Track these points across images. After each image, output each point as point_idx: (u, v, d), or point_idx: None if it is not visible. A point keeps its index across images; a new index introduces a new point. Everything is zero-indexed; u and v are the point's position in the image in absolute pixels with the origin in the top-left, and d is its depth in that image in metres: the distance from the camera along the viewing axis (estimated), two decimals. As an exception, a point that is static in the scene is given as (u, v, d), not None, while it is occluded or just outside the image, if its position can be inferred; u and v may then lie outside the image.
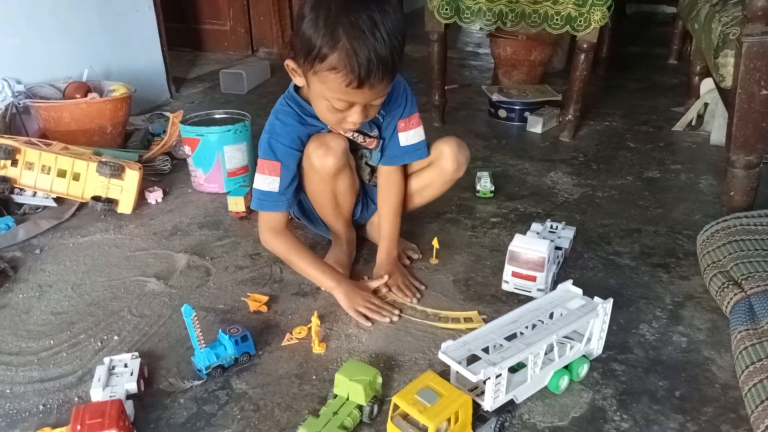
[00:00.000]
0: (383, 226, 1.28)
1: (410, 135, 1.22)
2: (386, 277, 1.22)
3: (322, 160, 1.14)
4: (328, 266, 1.21)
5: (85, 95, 1.92)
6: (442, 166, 1.25)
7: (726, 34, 1.40)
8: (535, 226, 1.37)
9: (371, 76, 0.98)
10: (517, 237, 1.19)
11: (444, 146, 1.24)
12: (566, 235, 1.35)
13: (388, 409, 0.85)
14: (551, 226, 1.37)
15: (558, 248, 1.28)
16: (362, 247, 1.38)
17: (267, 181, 1.15)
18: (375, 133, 1.22)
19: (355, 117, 1.06)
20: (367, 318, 1.12)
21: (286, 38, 3.36)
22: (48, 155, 1.56)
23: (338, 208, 1.25)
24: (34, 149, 1.56)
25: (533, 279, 1.16)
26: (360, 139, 1.21)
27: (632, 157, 1.97)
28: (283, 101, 1.17)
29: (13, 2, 1.92)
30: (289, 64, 1.08)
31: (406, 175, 1.28)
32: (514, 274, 1.18)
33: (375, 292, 1.20)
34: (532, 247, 1.16)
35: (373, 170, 1.30)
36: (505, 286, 1.21)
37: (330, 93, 1.02)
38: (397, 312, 1.14)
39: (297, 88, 1.17)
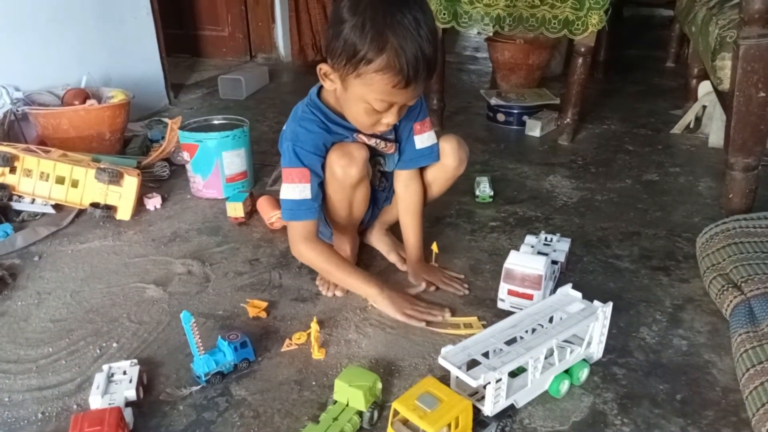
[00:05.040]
0: (410, 235, 1.30)
1: (425, 138, 1.24)
2: (423, 285, 1.23)
3: (345, 170, 1.14)
4: (367, 274, 1.21)
5: (84, 102, 1.92)
6: (444, 162, 1.26)
7: (723, 37, 1.40)
8: (529, 239, 1.33)
9: (418, 75, 1.00)
10: (512, 254, 1.15)
11: (444, 144, 1.25)
12: (561, 247, 1.31)
13: (388, 414, 0.85)
14: (545, 239, 1.33)
15: (554, 262, 1.24)
16: (361, 252, 1.38)
17: (298, 189, 1.14)
18: (392, 137, 1.23)
19: (390, 118, 1.08)
20: (417, 319, 1.12)
21: (304, 41, 3.36)
22: (46, 162, 1.56)
23: (351, 216, 1.25)
24: (32, 156, 1.56)
25: (530, 297, 1.13)
26: (381, 145, 1.21)
27: (631, 160, 1.97)
28: (305, 108, 1.16)
29: (12, 9, 1.92)
30: (323, 67, 1.07)
31: (422, 180, 1.29)
32: (510, 293, 1.15)
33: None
34: (528, 264, 1.12)
35: (384, 175, 1.31)
36: (501, 305, 1.17)
37: (373, 95, 1.03)
38: (447, 310, 1.15)
39: (318, 95, 1.17)
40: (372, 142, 1.20)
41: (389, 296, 1.15)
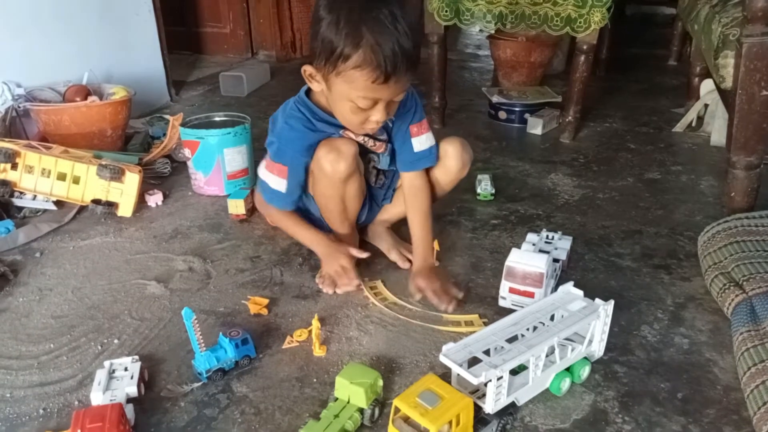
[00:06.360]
0: (416, 233, 1.27)
1: (422, 140, 1.23)
2: (418, 296, 1.19)
3: (334, 166, 1.13)
4: (315, 229, 1.27)
5: (85, 98, 1.92)
6: (447, 165, 1.26)
7: (726, 35, 1.40)
8: (531, 237, 1.32)
9: (396, 69, 0.99)
10: (514, 252, 1.15)
11: (448, 146, 1.25)
12: (563, 246, 1.30)
13: (389, 412, 0.85)
14: (547, 237, 1.32)
15: (555, 260, 1.23)
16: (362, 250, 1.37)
17: (275, 181, 1.20)
18: (384, 137, 1.23)
19: (378, 115, 1.07)
20: (325, 286, 1.20)
21: (285, 40, 3.37)
22: (48, 158, 1.56)
23: (345, 213, 1.25)
24: (34, 152, 1.56)
25: (531, 295, 1.12)
26: (370, 143, 1.21)
27: (633, 159, 1.97)
28: (294, 106, 1.17)
29: (15, 6, 1.92)
30: (307, 69, 1.08)
31: (428, 179, 1.28)
32: (512, 290, 1.14)
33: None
34: (529, 263, 1.12)
35: (380, 173, 1.30)
36: (502, 303, 1.17)
37: (355, 92, 1.03)
38: (356, 283, 1.20)
39: (308, 92, 1.17)
40: (360, 139, 1.19)
41: (323, 253, 1.24)
